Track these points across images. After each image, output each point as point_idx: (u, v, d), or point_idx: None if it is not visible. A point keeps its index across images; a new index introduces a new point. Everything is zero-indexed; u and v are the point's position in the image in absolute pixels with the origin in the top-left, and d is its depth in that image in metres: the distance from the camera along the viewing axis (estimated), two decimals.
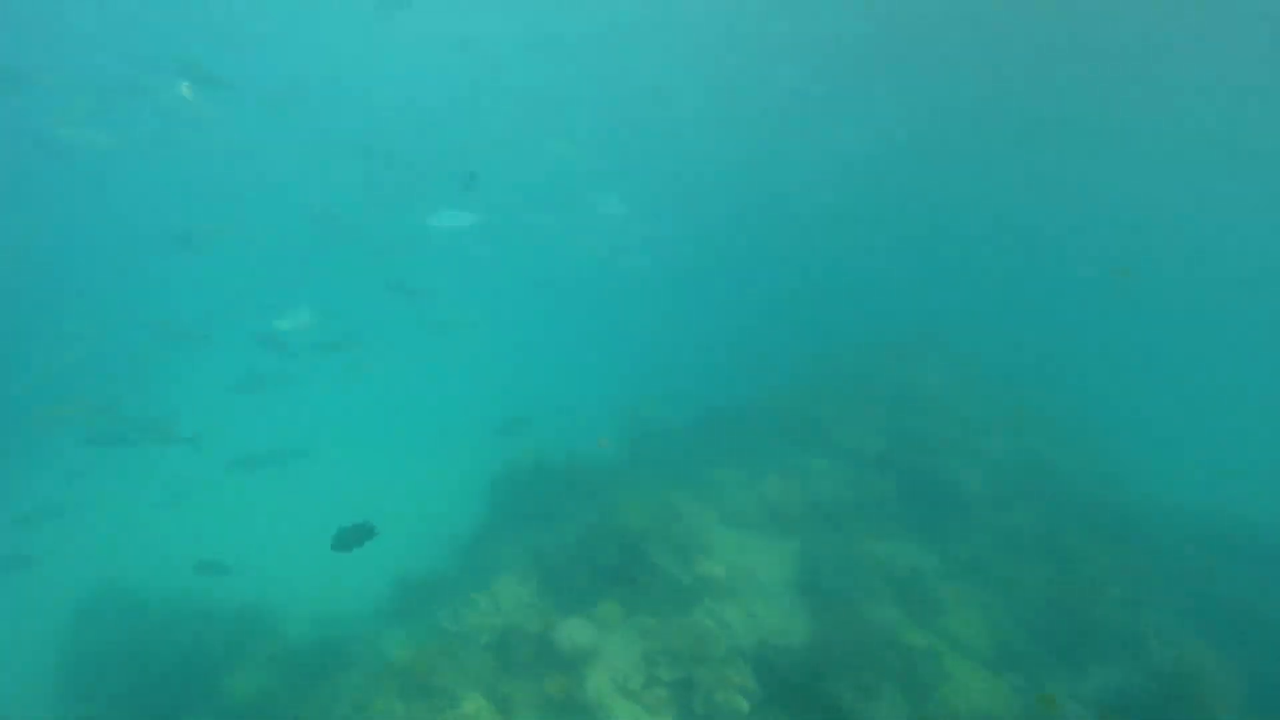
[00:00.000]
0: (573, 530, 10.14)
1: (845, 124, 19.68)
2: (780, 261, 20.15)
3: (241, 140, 22.63)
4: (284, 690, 8.93)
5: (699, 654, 7.77)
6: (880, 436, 12.00)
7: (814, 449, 11.87)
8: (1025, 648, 8.75)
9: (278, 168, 23.81)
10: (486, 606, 7.34)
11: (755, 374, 14.15)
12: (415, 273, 16.64)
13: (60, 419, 11.31)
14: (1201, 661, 8.08)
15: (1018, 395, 13.48)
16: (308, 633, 10.32)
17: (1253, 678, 8.05)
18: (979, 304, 19.51)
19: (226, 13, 22.42)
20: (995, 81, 18.44)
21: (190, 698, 9.05)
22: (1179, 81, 18.27)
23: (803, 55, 18.23)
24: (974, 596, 9.57)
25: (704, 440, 12.33)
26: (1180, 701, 7.68)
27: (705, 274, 20.40)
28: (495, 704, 6.93)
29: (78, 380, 15.13)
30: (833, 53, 18.32)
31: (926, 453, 11.62)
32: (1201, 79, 18.02)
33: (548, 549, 9.62)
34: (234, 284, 20.05)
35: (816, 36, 17.92)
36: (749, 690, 7.28)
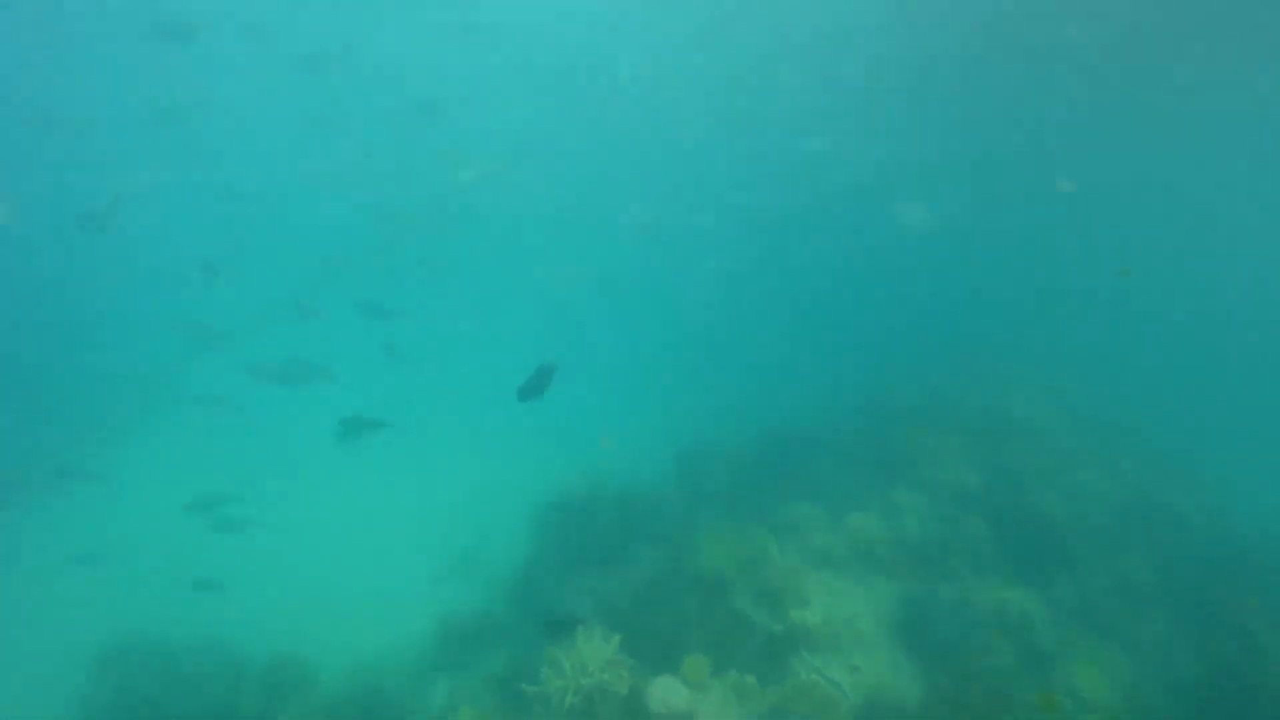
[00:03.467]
0: (643, 573, 9.13)
1: (925, 124, 18.20)
2: (853, 272, 18.77)
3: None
4: None
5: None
6: (968, 466, 10.95)
7: (895, 479, 10.83)
8: (1171, 713, 7.60)
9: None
10: (570, 666, 6.34)
11: (825, 396, 13.12)
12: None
13: None
14: None
15: (1114, 420, 12.37)
16: (346, 686, 9.27)
17: None
18: (1072, 323, 18.13)
19: None
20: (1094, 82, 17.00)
21: None
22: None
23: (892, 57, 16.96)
24: (1099, 651, 8.43)
25: (773, 470, 11.33)
26: None
27: (773, 285, 18.95)
28: None
29: None
30: (921, 54, 17.14)
31: (1022, 485, 10.56)
32: None
33: (618, 596, 8.62)
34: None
35: (913, 39, 16.84)
36: None
